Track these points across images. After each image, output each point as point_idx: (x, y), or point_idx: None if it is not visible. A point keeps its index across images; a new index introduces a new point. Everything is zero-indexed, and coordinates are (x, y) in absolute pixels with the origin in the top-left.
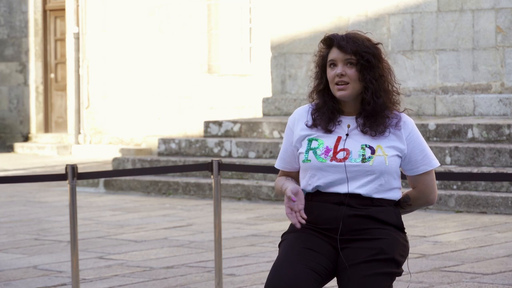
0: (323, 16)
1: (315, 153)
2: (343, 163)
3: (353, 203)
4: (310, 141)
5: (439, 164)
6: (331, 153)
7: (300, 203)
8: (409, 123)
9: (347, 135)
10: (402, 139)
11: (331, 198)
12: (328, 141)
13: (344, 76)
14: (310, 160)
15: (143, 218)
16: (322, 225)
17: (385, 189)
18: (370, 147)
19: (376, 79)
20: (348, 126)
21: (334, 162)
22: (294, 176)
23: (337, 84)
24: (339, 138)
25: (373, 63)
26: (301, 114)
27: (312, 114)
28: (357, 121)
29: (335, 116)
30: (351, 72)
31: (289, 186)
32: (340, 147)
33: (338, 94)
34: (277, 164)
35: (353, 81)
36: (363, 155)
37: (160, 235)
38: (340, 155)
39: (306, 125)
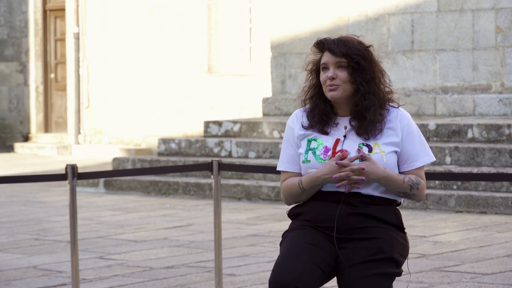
0: (323, 16)
1: (314, 153)
2: None
3: (353, 201)
4: (309, 141)
5: (433, 159)
6: (329, 153)
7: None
8: (405, 116)
9: (344, 136)
10: (397, 132)
11: (331, 196)
12: (327, 141)
13: (335, 79)
14: (309, 161)
15: (143, 218)
16: (320, 224)
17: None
18: (368, 145)
19: (367, 81)
20: (345, 128)
21: None
22: None
23: (329, 86)
24: (337, 141)
25: (363, 65)
26: (298, 115)
27: (307, 116)
28: (351, 124)
29: (330, 118)
30: (342, 74)
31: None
32: (338, 148)
33: (329, 94)
34: (282, 166)
35: (344, 83)
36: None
37: (160, 235)
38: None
39: (303, 126)
